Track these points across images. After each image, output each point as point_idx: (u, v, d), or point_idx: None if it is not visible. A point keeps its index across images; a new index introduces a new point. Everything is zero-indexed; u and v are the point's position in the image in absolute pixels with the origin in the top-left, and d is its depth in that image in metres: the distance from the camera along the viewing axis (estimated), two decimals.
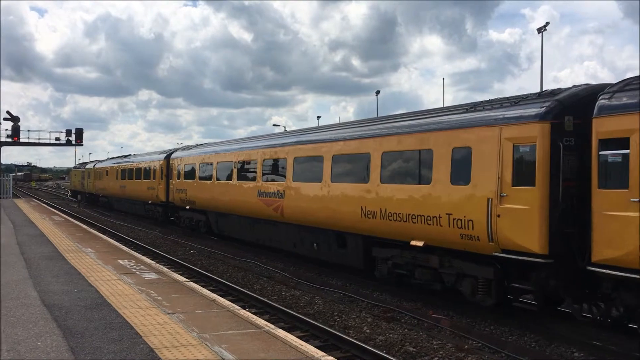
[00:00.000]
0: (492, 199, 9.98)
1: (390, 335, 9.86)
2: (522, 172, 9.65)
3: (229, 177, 20.88)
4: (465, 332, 10.05)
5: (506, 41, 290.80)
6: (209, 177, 22.76)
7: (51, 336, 7.06)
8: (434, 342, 9.53)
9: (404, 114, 14.18)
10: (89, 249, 15.82)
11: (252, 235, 20.12)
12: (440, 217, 11.05)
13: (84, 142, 53.50)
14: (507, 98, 10.90)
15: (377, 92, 66.17)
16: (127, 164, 37.85)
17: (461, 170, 10.75)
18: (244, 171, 19.98)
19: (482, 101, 11.53)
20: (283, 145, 17.36)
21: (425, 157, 11.70)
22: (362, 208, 13.17)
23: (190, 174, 25.26)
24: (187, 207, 25.37)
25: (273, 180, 17.68)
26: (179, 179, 26.63)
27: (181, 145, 30.26)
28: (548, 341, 9.55)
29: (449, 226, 10.83)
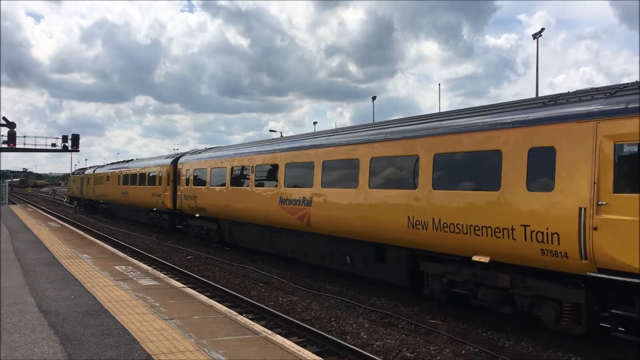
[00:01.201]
0: (585, 209, 8.43)
1: (388, 341, 9.86)
2: (628, 176, 8.14)
3: (246, 183, 19.30)
4: (462, 337, 10.06)
5: (502, 47, 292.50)
6: (222, 183, 21.14)
7: (48, 342, 7.05)
8: (431, 348, 9.54)
9: (459, 110, 12.30)
10: (86, 255, 15.79)
11: (271, 246, 18.29)
12: (513, 229, 9.45)
13: (80, 148, 53.31)
14: (597, 89, 9.44)
15: (374, 98, 66.57)
16: (130, 169, 36.27)
17: (541, 174, 9.21)
18: (262, 176, 18.36)
19: (559, 94, 10.08)
20: (310, 147, 15.73)
21: (491, 160, 10.07)
22: (408, 217, 11.59)
23: (200, 180, 23.74)
24: (197, 215, 23.82)
25: (297, 186, 15.97)
26: (187, 184, 25.07)
27: (190, 150, 28.67)
28: (545, 346, 9.57)
29: (525, 240, 9.24)
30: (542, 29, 43.85)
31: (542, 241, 9.00)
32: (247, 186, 19.01)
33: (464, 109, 12.09)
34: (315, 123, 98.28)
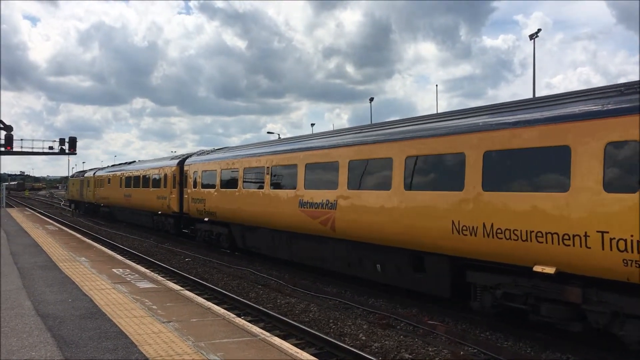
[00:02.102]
0: None
1: (386, 342, 9.86)
2: None
3: (260, 185, 17.98)
4: (460, 338, 10.05)
5: (500, 47, 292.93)
6: (234, 185, 19.92)
7: (45, 346, 7.03)
8: (430, 349, 9.54)
9: (510, 102, 10.82)
10: (83, 258, 15.76)
11: (288, 252, 17.05)
12: (587, 235, 8.30)
13: (77, 151, 52.94)
14: None
15: (371, 99, 66.67)
16: (133, 171, 34.81)
17: (621, 173, 8.13)
18: (279, 178, 17.07)
19: (629, 82, 8.84)
20: (333, 146, 14.49)
21: (558, 156, 8.86)
22: (453, 222, 10.46)
23: (209, 182, 22.42)
24: (206, 219, 22.49)
25: (320, 188, 14.70)
26: (195, 187, 23.76)
27: (197, 151, 27.35)
28: (543, 347, 9.57)
29: (603, 249, 8.09)
30: (539, 30, 44.11)
31: (625, 250, 7.83)
32: (262, 188, 17.77)
33: (518, 101, 10.69)
34: (312, 125, 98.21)
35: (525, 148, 9.41)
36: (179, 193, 25.97)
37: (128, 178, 35.09)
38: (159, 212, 28.79)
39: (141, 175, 32.33)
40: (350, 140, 13.99)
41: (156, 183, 29.24)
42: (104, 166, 52.81)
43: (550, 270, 8.86)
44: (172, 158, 29.16)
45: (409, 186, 11.74)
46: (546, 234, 8.87)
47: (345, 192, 13.60)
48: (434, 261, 11.42)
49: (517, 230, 9.33)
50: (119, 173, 38.03)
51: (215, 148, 25.35)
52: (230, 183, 20.39)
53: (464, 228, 10.28)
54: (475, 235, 10.05)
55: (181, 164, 26.24)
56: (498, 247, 9.69)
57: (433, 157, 11.35)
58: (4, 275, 12.36)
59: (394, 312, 12.05)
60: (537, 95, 34.35)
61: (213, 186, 21.83)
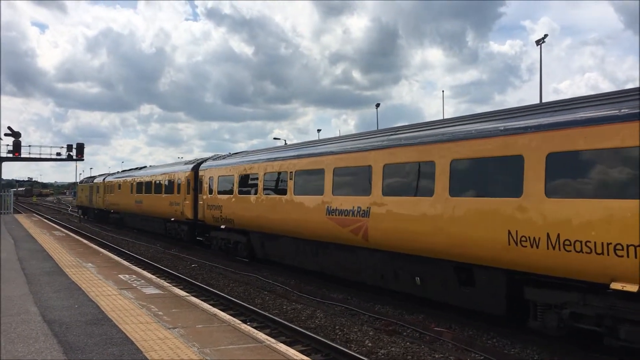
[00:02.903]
0: None
1: (392, 349, 9.82)
2: None
3: (283, 191, 16.92)
4: (467, 345, 10.00)
5: (507, 53, 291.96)
6: (254, 191, 18.86)
7: (51, 352, 7.04)
8: (436, 356, 9.49)
9: (573, 99, 9.78)
10: (90, 264, 15.80)
11: (314, 262, 16.04)
12: None
13: (85, 157, 53.42)
14: None
15: (377, 105, 66.65)
16: (144, 176, 33.81)
17: None
18: (304, 183, 15.99)
19: None
20: (366, 149, 13.41)
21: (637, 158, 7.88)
22: (509, 232, 9.43)
23: (226, 188, 21.39)
24: (223, 227, 21.50)
25: (350, 194, 13.73)
26: (211, 193, 22.78)
27: (212, 155, 26.44)
28: (550, 354, 9.50)
29: None
30: (545, 35, 44.10)
31: None
32: (285, 194, 16.71)
33: (578, 98, 9.67)
34: (319, 130, 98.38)
35: (597, 149, 8.38)
36: (194, 199, 25.05)
37: (139, 184, 34.23)
38: (172, 219, 27.89)
39: (153, 181, 31.51)
40: (384, 142, 12.89)
41: (169, 189, 28.42)
42: (112, 172, 52.10)
43: (632, 287, 7.80)
44: (186, 163, 28.25)
45: (455, 192, 10.70)
46: (627, 246, 7.81)
47: (380, 199, 12.57)
48: (486, 275, 10.32)
49: (589, 241, 8.25)
50: (129, 179, 37.12)
51: (232, 152, 24.51)
52: (249, 189, 19.38)
53: (523, 238, 9.23)
54: (537, 247, 9.00)
55: (196, 169, 25.36)
56: (564, 260, 8.64)
57: (484, 161, 10.23)
58: (11, 281, 12.40)
59: (400, 318, 12.00)
60: (544, 100, 34.20)
61: (230, 192, 20.88)
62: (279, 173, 17.34)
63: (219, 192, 21.99)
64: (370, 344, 10.13)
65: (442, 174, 11.00)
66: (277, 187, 17.43)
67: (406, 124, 14.49)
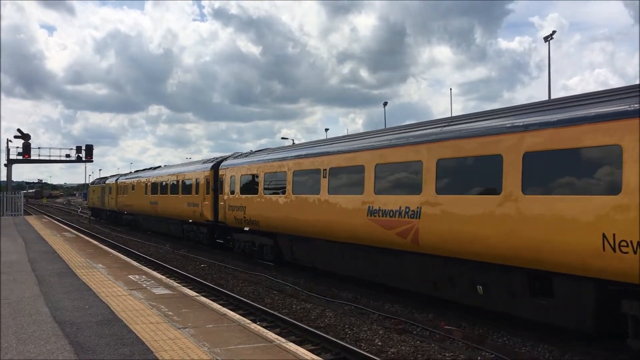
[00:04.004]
0: None
1: (402, 348, 9.79)
2: None
3: (315, 190, 15.64)
4: (478, 343, 9.96)
5: (516, 50, 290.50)
6: (282, 190, 17.64)
7: (63, 353, 7.07)
8: (447, 354, 9.46)
9: None
10: (100, 265, 15.87)
11: (352, 267, 14.76)
12: None
13: (94, 159, 53.63)
14: None
15: (385, 104, 66.65)
16: (160, 176, 32.53)
17: None
18: (340, 181, 14.75)
19: None
20: (414, 143, 12.13)
21: None
22: (604, 236, 8.12)
23: (250, 187, 20.17)
24: (246, 229, 20.31)
25: (396, 192, 12.48)
26: (233, 193, 21.53)
27: (232, 153, 25.18)
28: (562, 351, 9.44)
29: None
30: (554, 32, 43.73)
31: None
32: (318, 194, 15.45)
33: None
34: (327, 130, 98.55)
35: None
36: (213, 200, 23.93)
37: (154, 184, 33.11)
38: (190, 221, 26.87)
39: (169, 181, 30.38)
40: (437, 135, 11.59)
41: (186, 189, 27.26)
42: (125, 172, 51.44)
43: None
44: (204, 162, 27.06)
45: (529, 190, 9.40)
46: None
47: (434, 198, 11.31)
48: (570, 285, 9.03)
49: None
50: (144, 179, 35.93)
51: (253, 150, 23.51)
52: (276, 188, 18.21)
53: (624, 244, 7.91)
54: None
55: (215, 168, 24.20)
56: None
57: (566, 153, 8.86)
58: (22, 282, 12.48)
59: (410, 317, 11.97)
60: (552, 97, 33.99)
61: (255, 192, 19.65)
62: (311, 171, 16.11)
63: (242, 192, 20.84)
64: (380, 343, 10.11)
65: (513, 169, 9.63)
66: (309, 185, 16.18)
67: (444, 118, 13.11)
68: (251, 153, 22.50)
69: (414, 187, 11.89)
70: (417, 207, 11.66)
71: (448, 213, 10.96)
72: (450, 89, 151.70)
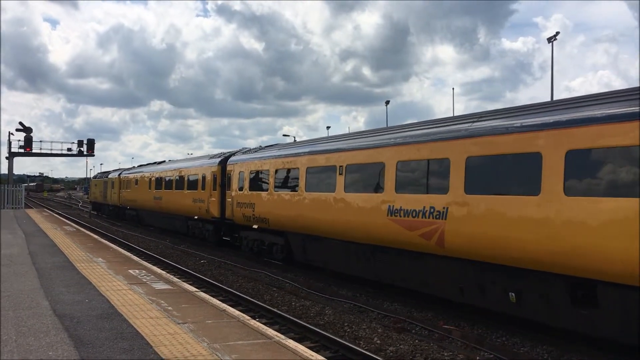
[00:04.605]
0: None
1: (401, 346, 9.80)
2: None
3: (330, 187, 14.96)
4: (477, 343, 9.97)
5: (519, 50, 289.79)
6: (294, 187, 16.95)
7: (62, 346, 7.08)
8: (445, 354, 9.46)
9: None
10: (100, 259, 15.88)
11: (370, 270, 14.03)
12: None
13: (95, 153, 53.70)
14: None
15: (387, 102, 66.83)
16: (164, 171, 31.81)
17: None
18: (358, 179, 14.06)
19: None
20: (440, 139, 11.47)
21: None
22: None
23: (260, 184, 19.56)
24: (255, 227, 19.71)
25: (419, 191, 11.82)
26: (241, 190, 20.90)
27: (241, 148, 24.65)
28: (561, 352, 9.45)
29: None
30: (557, 33, 43.64)
31: None
32: (333, 192, 14.79)
33: None
34: (328, 127, 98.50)
35: None
36: (220, 196, 23.37)
37: (159, 179, 32.36)
38: (195, 217, 26.27)
39: (174, 176, 29.66)
40: (466, 130, 10.90)
41: (192, 184, 26.64)
42: (128, 167, 50.72)
43: None
44: (212, 157, 26.36)
45: (573, 191, 8.68)
46: None
47: (462, 197, 10.64)
48: (618, 294, 8.29)
49: None
50: (147, 174, 35.26)
51: (262, 146, 22.72)
52: (288, 185, 17.56)
53: None
54: None
55: (223, 163, 23.58)
56: None
57: (621, 151, 8.08)
58: (22, 275, 12.50)
59: (409, 316, 11.98)
60: (555, 98, 33.95)
61: (265, 188, 19.02)
62: (326, 167, 15.44)
63: (251, 189, 20.18)
64: (379, 341, 10.12)
65: (553, 168, 8.96)
66: (324, 183, 15.48)
67: (466, 113, 12.62)
68: (261, 148, 21.85)
69: (440, 186, 11.24)
70: (444, 208, 11.01)
71: (478, 214, 10.27)
72: (453, 88, 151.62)
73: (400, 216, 12.15)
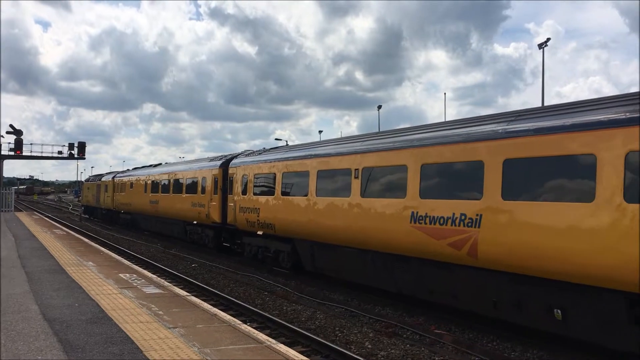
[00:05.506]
0: None
1: (392, 351, 9.81)
2: None
3: (344, 192, 14.01)
4: (467, 347, 9.98)
5: (511, 55, 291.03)
6: (303, 192, 15.96)
7: (52, 350, 7.04)
8: (436, 358, 9.48)
9: None
10: (90, 263, 15.80)
11: (387, 280, 13.15)
12: None
13: (86, 156, 53.20)
14: None
15: (379, 107, 67.12)
16: (161, 174, 31.02)
17: None
18: (376, 183, 13.11)
19: None
20: (474, 139, 10.49)
21: None
22: None
23: (265, 188, 18.58)
24: (260, 233, 18.80)
25: (447, 196, 10.91)
26: (244, 193, 19.90)
27: (243, 151, 23.73)
28: (552, 356, 9.48)
29: None
30: (548, 39, 43.86)
31: None
32: (348, 196, 13.82)
33: None
34: (320, 132, 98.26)
35: None
36: (222, 200, 22.40)
37: (155, 182, 31.47)
38: (194, 222, 25.37)
39: (172, 179, 28.78)
40: (503, 132, 9.98)
41: (191, 188, 25.72)
42: (115, 170, 50.10)
43: None
44: (211, 159, 25.39)
45: (635, 197, 7.75)
46: None
47: (498, 204, 9.73)
48: None
49: None
50: (143, 176, 34.24)
51: (266, 148, 21.92)
52: (296, 189, 16.60)
53: None
54: None
55: (225, 166, 22.60)
56: None
57: None
58: (11, 279, 12.41)
59: (401, 320, 11.99)
60: (546, 104, 34.13)
61: (271, 193, 18.00)
62: (339, 170, 14.51)
63: (256, 193, 19.17)
64: (370, 346, 10.12)
65: (611, 172, 8.04)
66: (336, 187, 14.57)
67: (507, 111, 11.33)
68: (265, 151, 21.03)
69: (472, 191, 10.37)
70: (477, 215, 10.11)
71: (519, 222, 9.34)
72: (445, 93, 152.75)
73: (426, 223, 11.23)
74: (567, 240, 8.55)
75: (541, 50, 43.28)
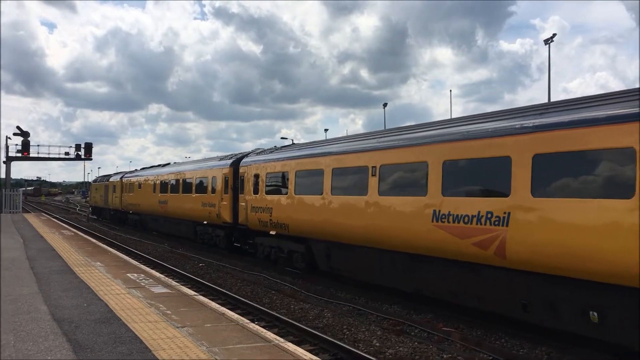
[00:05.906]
0: None
1: (400, 349, 9.80)
2: None
3: (362, 190, 13.58)
4: (476, 345, 9.96)
5: (517, 52, 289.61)
6: (318, 190, 15.54)
7: (61, 350, 7.07)
8: (445, 356, 9.46)
9: None
10: (98, 263, 15.86)
11: (407, 281, 12.80)
12: None
13: (93, 157, 53.30)
14: None
15: (385, 105, 66.77)
16: (170, 174, 30.59)
17: None
18: (395, 180, 12.72)
19: None
20: (501, 134, 10.07)
21: None
22: None
23: (278, 187, 18.25)
24: (273, 233, 18.50)
25: (472, 194, 10.56)
26: (257, 193, 19.55)
27: (255, 149, 23.26)
28: (560, 353, 9.44)
29: None
30: (554, 35, 43.76)
31: None
32: (365, 194, 13.44)
33: None
34: (326, 130, 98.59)
35: None
36: (232, 200, 22.04)
37: (164, 182, 31.05)
38: (204, 222, 25.00)
39: (181, 179, 28.37)
40: (532, 126, 9.49)
41: (201, 188, 25.38)
42: (122, 171, 50.62)
43: None
44: (221, 158, 25.03)
45: None
46: None
47: (528, 201, 9.34)
48: None
49: None
50: (152, 177, 33.86)
51: (277, 147, 21.45)
52: (311, 188, 16.17)
53: None
54: None
55: (235, 165, 22.20)
56: None
57: None
58: (20, 280, 12.48)
59: (408, 318, 11.97)
60: (552, 100, 33.96)
61: (284, 192, 17.68)
62: (355, 168, 14.11)
63: (268, 192, 18.77)
64: (378, 344, 10.11)
65: None
66: (353, 185, 14.17)
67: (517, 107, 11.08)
68: (277, 149, 20.51)
69: (498, 188, 10.01)
70: (505, 213, 9.70)
71: (551, 221, 8.93)
72: (450, 90, 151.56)
73: (449, 222, 10.85)
74: (604, 239, 8.13)
75: (547, 46, 43.16)
